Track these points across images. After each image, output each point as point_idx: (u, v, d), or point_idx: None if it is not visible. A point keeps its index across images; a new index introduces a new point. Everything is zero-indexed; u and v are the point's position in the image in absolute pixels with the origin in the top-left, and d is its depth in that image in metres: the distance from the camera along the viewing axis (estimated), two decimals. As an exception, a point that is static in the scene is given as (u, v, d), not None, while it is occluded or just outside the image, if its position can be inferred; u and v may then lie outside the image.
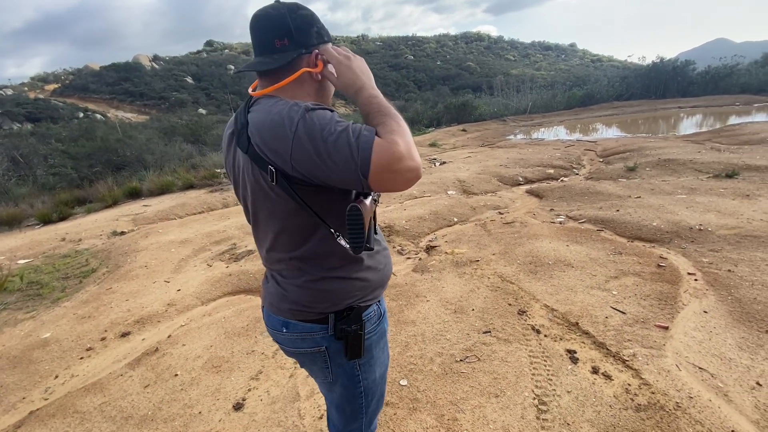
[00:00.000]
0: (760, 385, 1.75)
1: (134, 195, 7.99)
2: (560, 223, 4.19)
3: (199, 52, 56.98)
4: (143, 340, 2.73)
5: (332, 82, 0.87)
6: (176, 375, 2.24)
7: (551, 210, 4.69)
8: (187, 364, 2.34)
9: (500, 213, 4.84)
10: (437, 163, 8.63)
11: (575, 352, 2.08)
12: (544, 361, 2.04)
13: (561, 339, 2.20)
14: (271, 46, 0.82)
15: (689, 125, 11.83)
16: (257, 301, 3.16)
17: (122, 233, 5.63)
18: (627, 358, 1.99)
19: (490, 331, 2.31)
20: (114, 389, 2.20)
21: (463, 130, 14.50)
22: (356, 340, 0.91)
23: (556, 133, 12.90)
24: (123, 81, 37.98)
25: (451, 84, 36.65)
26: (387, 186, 0.72)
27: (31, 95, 36.27)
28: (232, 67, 43.47)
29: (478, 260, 3.30)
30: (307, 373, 2.12)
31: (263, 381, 2.12)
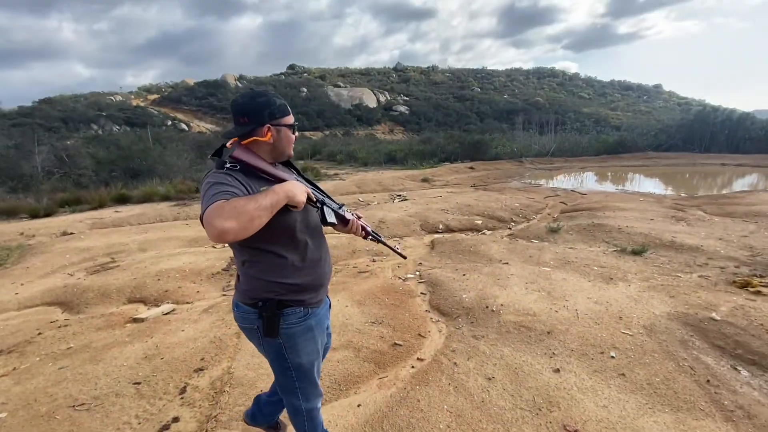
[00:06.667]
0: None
1: (123, 201, 8.96)
2: (404, 280, 3.94)
3: (281, 74, 62.21)
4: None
5: (276, 145, 1.28)
6: None
7: (420, 264, 4.42)
8: None
9: (373, 260, 4.67)
10: (396, 200, 8.51)
11: (178, 419, 1.99)
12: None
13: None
14: (237, 122, 1.25)
15: (714, 185, 10.30)
16: (52, 315, 3.44)
17: (71, 233, 6.39)
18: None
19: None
20: None
21: (471, 168, 14.09)
22: (269, 322, 1.25)
23: (561, 181, 12.00)
24: (209, 96, 42.95)
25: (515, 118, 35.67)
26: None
27: (134, 102, 42.61)
28: (305, 90, 47.05)
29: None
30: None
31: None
